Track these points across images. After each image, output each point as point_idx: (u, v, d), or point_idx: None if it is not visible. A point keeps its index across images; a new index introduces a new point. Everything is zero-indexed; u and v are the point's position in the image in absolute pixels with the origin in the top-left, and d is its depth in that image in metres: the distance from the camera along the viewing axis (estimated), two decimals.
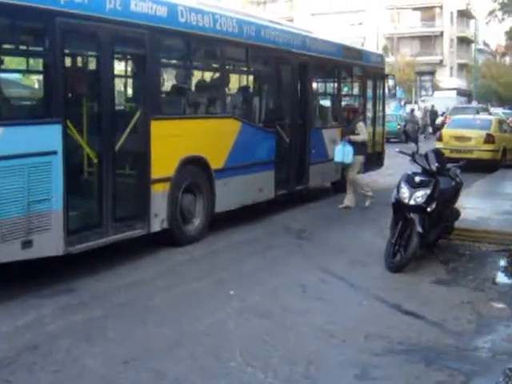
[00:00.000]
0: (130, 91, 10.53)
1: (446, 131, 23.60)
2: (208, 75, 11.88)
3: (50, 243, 8.01)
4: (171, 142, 10.04)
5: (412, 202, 9.37)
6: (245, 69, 12.94)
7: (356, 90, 18.02)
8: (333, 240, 11.35)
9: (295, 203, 14.23)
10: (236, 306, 7.61)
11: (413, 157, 9.99)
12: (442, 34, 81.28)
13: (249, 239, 11.19)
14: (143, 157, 9.52)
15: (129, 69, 10.34)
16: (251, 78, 13.28)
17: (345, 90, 17.52)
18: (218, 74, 11.95)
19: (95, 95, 9.03)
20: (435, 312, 7.55)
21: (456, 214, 10.54)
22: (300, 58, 14.30)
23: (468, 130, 23.09)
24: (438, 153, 10.03)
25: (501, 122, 24.81)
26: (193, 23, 10.50)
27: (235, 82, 12.54)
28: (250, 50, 12.44)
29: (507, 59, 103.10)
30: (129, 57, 10.41)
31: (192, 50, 10.97)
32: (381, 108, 19.30)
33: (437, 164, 9.71)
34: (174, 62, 10.93)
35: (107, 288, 8.23)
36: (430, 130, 44.51)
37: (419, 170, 10.07)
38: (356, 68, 17.65)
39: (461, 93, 71.47)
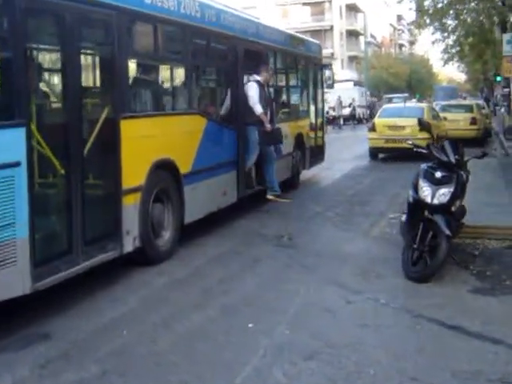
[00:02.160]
0: (96, 85, 8.66)
1: (378, 120, 22.60)
2: (173, 66, 10.16)
3: (15, 280, 6.20)
4: (142, 144, 8.39)
5: (436, 202, 8.03)
6: (207, 59, 11.26)
7: (301, 81, 16.65)
8: (320, 245, 9.95)
9: (248, 204, 12.63)
10: (267, 344, 6.01)
11: (429, 148, 8.62)
12: (331, 27, 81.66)
13: (227, 252, 9.62)
14: (113, 164, 7.82)
15: (95, 59, 8.47)
16: (213, 68, 11.71)
17: (293, 81, 16.14)
18: (182, 65, 10.30)
19: (57, 92, 7.41)
20: (508, 332, 6.21)
21: (464, 211, 9.25)
22: (258, 48, 12.97)
23: (401, 118, 22.17)
24: (455, 143, 8.69)
25: (431, 110, 24.04)
26: (158, 5, 8.94)
27: (198, 73, 10.82)
28: (211, 38, 10.98)
29: (392, 50, 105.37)
30: (95, 45, 8.47)
31: (158, 36, 9.24)
32: (320, 99, 18.03)
33: (456, 156, 8.37)
34: (141, 50, 9.14)
35: (89, 330, 6.48)
36: (342, 120, 44.00)
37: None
38: (301, 58, 16.41)
39: (356, 84, 71.87)
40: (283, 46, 14.86)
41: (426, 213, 8.08)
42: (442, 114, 25.73)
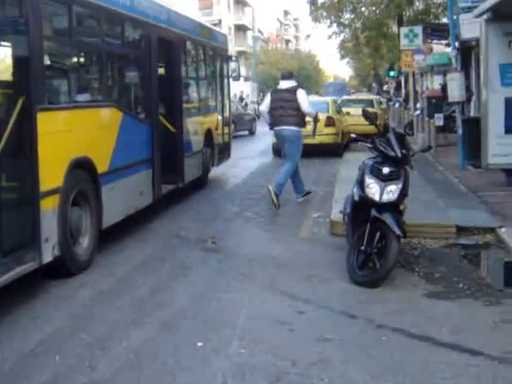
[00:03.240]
0: (7, 73, 7.57)
1: None
2: (88, 52, 9.23)
3: None
4: (60, 140, 7.53)
5: (384, 199, 7.48)
6: (120, 46, 10.22)
7: (210, 73, 15.87)
8: (249, 249, 9.28)
9: (158, 205, 11.69)
10: (225, 367, 5.28)
11: (373, 142, 8.06)
12: (220, 22, 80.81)
13: (150, 257, 8.82)
14: (29, 163, 6.90)
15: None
16: (127, 57, 10.68)
17: (202, 73, 15.32)
18: (97, 52, 9.31)
19: None
20: (481, 341, 5.72)
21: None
22: (170, 37, 12.20)
23: None
24: (400, 136, 8.15)
25: (336, 104, 23.69)
26: None
27: (113, 61, 9.84)
28: (126, 23, 10.07)
29: (279, 46, 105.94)
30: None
31: (72, 19, 8.28)
32: (227, 93, 17.30)
33: (403, 150, 7.84)
34: (54, 34, 8.16)
35: (14, 357, 5.55)
36: None
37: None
38: (209, 48, 15.61)
39: (246, 79, 71.62)
40: (194, 35, 14.08)
41: (373, 211, 7.51)
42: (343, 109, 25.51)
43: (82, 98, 8.66)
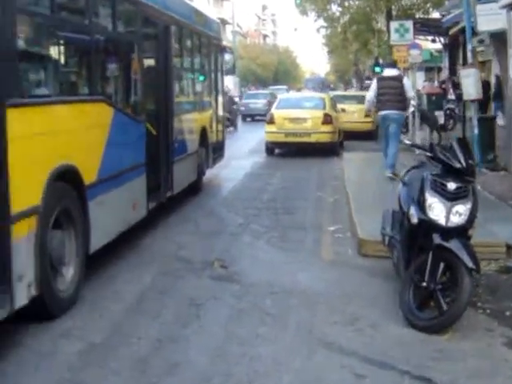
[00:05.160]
0: None
1: (277, 112, 20.27)
2: (72, 33, 7.46)
3: None
4: (38, 145, 5.81)
5: (452, 222, 5.89)
6: (108, 29, 8.41)
7: (204, 66, 14.19)
8: (267, 276, 7.58)
9: (149, 215, 9.66)
10: None
11: (433, 150, 6.43)
12: None
13: (148, 291, 7.06)
14: None
15: None
16: (115, 42, 8.74)
17: (196, 65, 13.58)
18: (83, 34, 7.48)
19: None
20: None
21: None
22: (163, 20, 10.52)
23: (302, 110, 20.16)
24: (464, 143, 6.54)
25: (332, 100, 22.08)
26: None
27: (98, 45, 7.93)
28: (116, 3, 8.29)
29: (257, 41, 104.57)
30: None
31: None
32: (221, 87, 15.67)
33: (469, 160, 6.24)
34: (33, 8, 6.39)
35: None
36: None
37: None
38: (203, 37, 13.90)
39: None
40: (189, 21, 12.41)
41: (437, 238, 5.92)
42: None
43: (63, 91, 6.95)
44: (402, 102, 13.65)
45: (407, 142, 7.39)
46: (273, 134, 19.76)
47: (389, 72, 14.16)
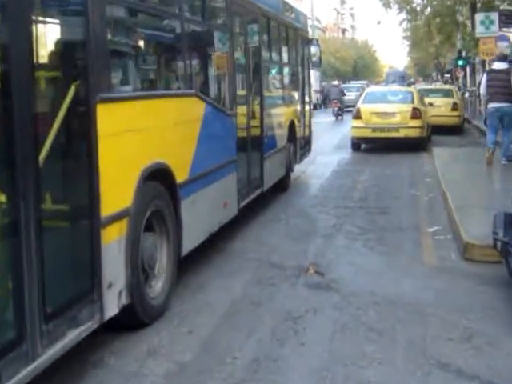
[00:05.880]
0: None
1: (364, 107, 19.60)
2: (162, 27, 7.14)
3: None
4: (129, 143, 5.41)
5: None
6: (200, 23, 8.10)
7: (292, 58, 13.75)
8: (368, 284, 7.02)
9: (237, 216, 9.12)
10: None
11: None
12: None
13: (241, 302, 6.52)
14: (86, 177, 4.80)
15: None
16: (206, 35, 8.44)
17: (285, 58, 13.13)
18: (173, 28, 7.16)
19: None
20: None
21: None
22: (253, 11, 10.15)
23: (390, 104, 19.47)
24: None
25: (420, 94, 21.30)
26: None
27: (188, 37, 7.51)
28: None
29: (336, 35, 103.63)
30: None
31: None
32: (307, 80, 15.21)
33: None
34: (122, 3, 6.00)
35: None
36: None
37: None
38: (291, 29, 13.44)
39: None
40: (277, 13, 11.99)
41: None
42: None
43: (154, 86, 6.71)
44: (511, 94, 13.71)
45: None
46: (359, 130, 19.13)
47: (498, 65, 14.31)
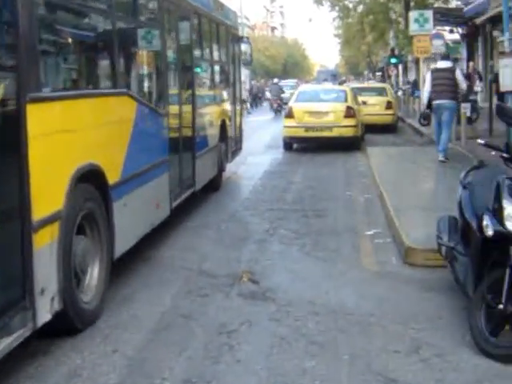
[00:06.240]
0: None
1: (296, 106, 19.37)
2: (92, 25, 6.87)
3: None
4: (61, 144, 5.19)
5: None
6: (130, 20, 7.94)
7: (223, 56, 13.59)
8: (307, 292, 6.75)
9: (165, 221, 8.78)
10: None
11: (508, 151, 5.64)
12: None
13: (170, 315, 6.13)
14: (16, 179, 4.57)
15: None
16: (138, 33, 8.22)
17: (216, 56, 12.98)
18: (104, 26, 6.95)
19: None
20: None
21: None
22: (183, 9, 10.01)
23: (323, 103, 19.32)
24: None
25: (353, 93, 21.23)
26: None
27: (123, 39, 7.31)
28: None
29: (265, 33, 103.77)
30: None
31: None
32: (238, 78, 15.01)
33: None
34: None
35: None
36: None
37: None
38: (221, 27, 13.24)
39: None
40: (207, 9, 11.77)
41: None
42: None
43: (84, 84, 6.52)
44: (454, 92, 14.37)
45: (480, 141, 6.54)
46: (292, 129, 18.90)
47: (442, 64, 14.82)
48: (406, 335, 5.56)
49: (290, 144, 19.49)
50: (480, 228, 5.43)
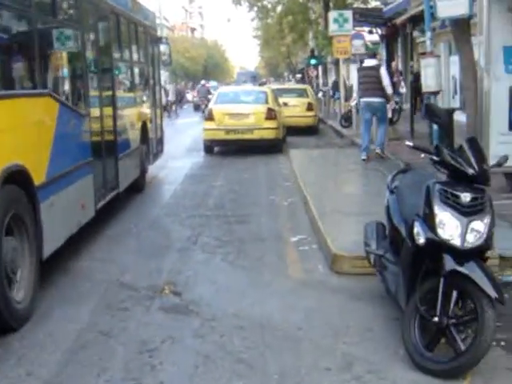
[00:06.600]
0: None
1: (215, 108, 18.93)
2: (12, 27, 6.69)
3: None
4: None
5: (469, 243, 4.82)
6: (50, 20, 7.75)
7: (142, 57, 13.21)
8: (230, 304, 6.41)
9: (82, 229, 8.29)
10: None
11: (439, 154, 5.34)
12: None
13: (88, 333, 5.71)
14: None
15: None
16: (58, 33, 8.07)
17: (135, 57, 12.57)
18: (23, 26, 6.92)
19: None
20: None
21: None
22: (103, 9, 9.87)
23: (243, 104, 18.95)
24: (475, 143, 5.44)
25: (274, 94, 20.94)
26: None
27: (43, 39, 7.21)
28: None
29: (184, 34, 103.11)
30: None
31: None
32: (158, 80, 14.60)
33: (483, 164, 5.18)
34: None
35: None
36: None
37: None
38: (140, 27, 12.88)
39: None
40: (125, 9, 11.47)
41: (450, 261, 4.85)
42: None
43: (6, 84, 6.31)
44: (381, 89, 14.59)
45: (409, 143, 6.23)
46: (212, 132, 18.44)
47: (368, 62, 15.19)
48: (336, 350, 5.24)
49: (210, 147, 19.04)
50: (411, 235, 5.14)
